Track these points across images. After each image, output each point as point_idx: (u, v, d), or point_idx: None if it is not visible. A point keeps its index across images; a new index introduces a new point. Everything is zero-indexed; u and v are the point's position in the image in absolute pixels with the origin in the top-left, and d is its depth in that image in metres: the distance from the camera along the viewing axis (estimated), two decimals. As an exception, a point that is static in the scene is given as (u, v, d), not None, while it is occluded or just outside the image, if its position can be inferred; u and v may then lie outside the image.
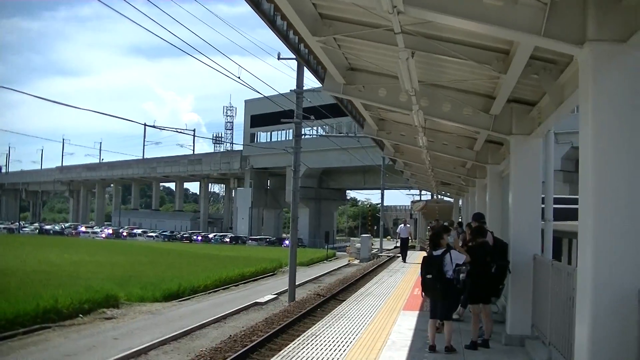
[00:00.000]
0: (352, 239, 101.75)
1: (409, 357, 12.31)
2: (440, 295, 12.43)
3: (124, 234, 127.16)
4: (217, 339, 22.64)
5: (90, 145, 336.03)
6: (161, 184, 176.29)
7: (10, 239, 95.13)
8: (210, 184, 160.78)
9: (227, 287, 40.97)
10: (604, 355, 6.83)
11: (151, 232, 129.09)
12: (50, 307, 25.37)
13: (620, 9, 6.79)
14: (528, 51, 8.96)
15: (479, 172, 23.70)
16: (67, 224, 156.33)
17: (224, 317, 27.66)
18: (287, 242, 63.67)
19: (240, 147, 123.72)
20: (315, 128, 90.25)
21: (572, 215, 7.57)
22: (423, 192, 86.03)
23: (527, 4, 7.26)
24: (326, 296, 32.98)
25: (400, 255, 43.01)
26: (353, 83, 15.10)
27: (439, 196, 62.95)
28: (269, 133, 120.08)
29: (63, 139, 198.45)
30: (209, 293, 37.64)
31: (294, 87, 37.06)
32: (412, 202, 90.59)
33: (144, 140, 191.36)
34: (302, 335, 14.96)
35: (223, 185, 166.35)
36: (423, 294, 13.36)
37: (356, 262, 65.88)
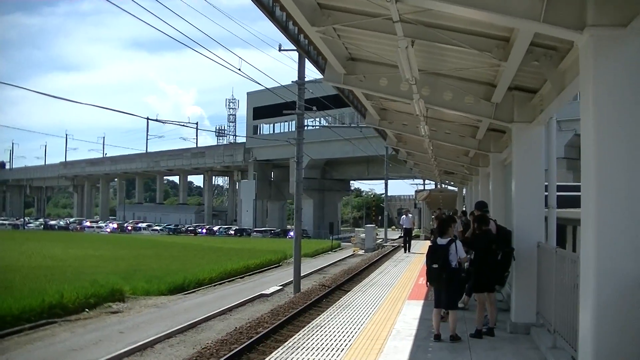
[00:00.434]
0: (356, 229, 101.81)
1: (414, 346, 12.30)
2: (445, 284, 12.44)
3: (129, 228, 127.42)
4: (222, 331, 22.67)
5: (93, 140, 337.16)
6: (165, 177, 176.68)
7: (16, 234, 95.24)
8: (214, 177, 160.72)
9: (233, 280, 40.96)
10: (608, 342, 6.82)
11: (156, 225, 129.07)
12: (56, 302, 25.41)
13: (619, -7, 6.75)
14: (528, 38, 8.93)
15: (482, 161, 23.65)
16: (71, 219, 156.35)
17: (230, 310, 27.68)
18: (291, 233, 63.65)
19: (244, 140, 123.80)
20: (318, 119, 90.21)
21: (576, 202, 7.55)
22: (427, 181, 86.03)
23: (526, -11, 7.20)
24: (331, 287, 32.94)
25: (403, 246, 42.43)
26: (354, 73, 15.05)
27: (443, 185, 62.93)
28: (271, 125, 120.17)
29: (66, 135, 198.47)
30: (214, 285, 37.64)
31: (295, 78, 37.02)
32: (416, 191, 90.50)
33: (147, 134, 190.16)
34: (307, 326, 14.96)
35: (227, 178, 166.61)
36: (428, 283, 13.32)
37: (361, 252, 65.82)
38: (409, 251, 38.12)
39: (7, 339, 21.26)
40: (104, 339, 21.51)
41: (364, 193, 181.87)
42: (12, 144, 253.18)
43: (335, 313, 16.23)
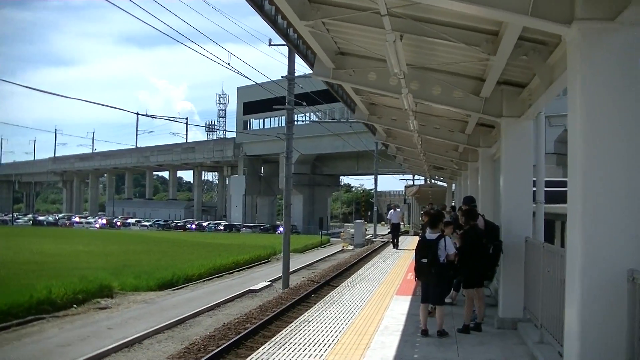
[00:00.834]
0: (346, 224, 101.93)
1: (401, 341, 12.29)
2: (434, 279, 12.43)
3: (118, 223, 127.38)
4: (211, 327, 22.70)
5: (83, 135, 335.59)
6: (155, 172, 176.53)
7: (4, 230, 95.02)
8: (203, 172, 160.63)
9: (221, 275, 40.98)
10: (594, 336, 6.82)
11: (145, 221, 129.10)
12: (44, 298, 25.38)
13: (607, -13, 6.73)
14: (516, 32, 8.91)
15: (471, 156, 23.67)
16: (60, 215, 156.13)
17: (218, 305, 27.73)
18: (281, 229, 63.69)
19: (234, 135, 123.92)
20: (308, 114, 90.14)
21: (565, 197, 7.53)
22: (416, 176, 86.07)
23: (514, -17, 7.17)
24: (320, 282, 32.99)
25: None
26: (343, 67, 14.99)
27: (433, 180, 62.95)
28: (262, 120, 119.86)
29: (55, 130, 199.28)
30: (203, 281, 37.67)
31: (286, 73, 36.98)
32: (406, 186, 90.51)
33: (137, 130, 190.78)
34: (295, 321, 14.93)
35: (217, 173, 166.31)
36: (416, 277, 13.31)
37: (350, 247, 65.99)
38: (397, 247, 37.42)
39: (-6, 335, 21.22)
40: (92, 335, 21.52)
41: (353, 188, 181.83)
42: (1, 139, 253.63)
43: (323, 308, 16.20)
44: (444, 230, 13.05)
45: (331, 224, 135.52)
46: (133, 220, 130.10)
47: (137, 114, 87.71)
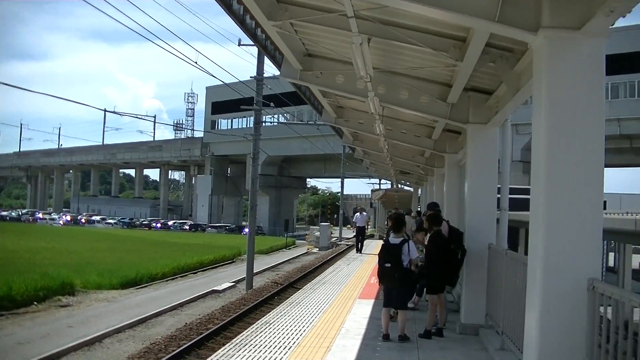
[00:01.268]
0: (311, 227, 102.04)
1: (362, 345, 12.24)
2: (397, 284, 12.40)
3: (83, 220, 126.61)
4: (173, 326, 22.62)
5: (49, 131, 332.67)
6: (121, 170, 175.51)
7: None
8: (170, 171, 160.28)
9: (186, 275, 40.87)
10: (553, 343, 6.84)
11: (110, 219, 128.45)
12: (4, 294, 25.13)
13: (574, -4, 6.75)
14: (484, 38, 8.92)
15: (437, 162, 23.73)
16: (24, 211, 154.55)
17: (181, 305, 27.62)
18: (247, 229, 63.75)
19: (201, 134, 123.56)
20: (276, 116, 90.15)
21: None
22: (384, 180, 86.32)
23: (482, -12, 7.17)
24: (284, 284, 33.03)
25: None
26: (310, 69, 14.93)
27: (399, 185, 63.11)
28: (230, 120, 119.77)
29: (21, 124, 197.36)
30: (167, 281, 37.53)
31: (255, 74, 36.94)
32: (372, 190, 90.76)
33: (104, 126, 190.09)
34: (257, 322, 14.85)
35: (183, 172, 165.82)
36: (380, 282, 13.28)
37: (315, 250, 66.10)
38: (361, 251, 36.77)
39: (-50, 331, 20.98)
40: (52, 332, 21.34)
41: (320, 191, 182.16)
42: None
43: (285, 310, 16.14)
44: (409, 235, 13.06)
45: (297, 226, 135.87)
46: (98, 218, 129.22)
47: (105, 110, 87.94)
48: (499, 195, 13.82)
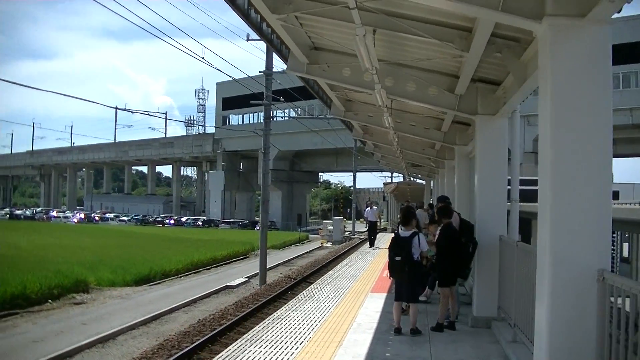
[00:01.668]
0: (324, 221, 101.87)
1: (374, 339, 12.21)
2: (407, 277, 12.34)
3: (96, 218, 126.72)
4: (186, 323, 22.64)
5: (61, 129, 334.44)
6: (133, 167, 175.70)
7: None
8: (182, 167, 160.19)
9: (199, 271, 40.92)
10: (562, 333, 6.79)
11: (123, 216, 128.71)
12: (19, 293, 25.24)
13: (579, -17, 6.66)
14: (489, 28, 8.84)
15: (447, 154, 23.64)
16: (38, 209, 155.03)
17: (194, 301, 27.63)
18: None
19: (213, 130, 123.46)
20: (287, 110, 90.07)
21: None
22: (396, 174, 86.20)
23: (485, -23, 7.10)
24: (297, 279, 33.02)
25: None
26: (317, 62, 14.86)
27: (411, 178, 63.04)
28: (241, 115, 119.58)
29: (33, 123, 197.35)
30: (180, 277, 37.56)
31: (264, 69, 36.89)
32: (384, 184, 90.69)
33: (116, 124, 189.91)
34: (268, 318, 14.85)
35: (195, 169, 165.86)
36: (390, 275, 13.21)
37: (328, 244, 65.96)
38: (374, 245, 36.63)
39: (-34, 330, 21.07)
40: (66, 330, 21.39)
41: (332, 185, 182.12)
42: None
43: (297, 305, 16.13)
44: (421, 229, 13.00)
45: (310, 220, 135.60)
46: (111, 215, 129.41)
47: (116, 108, 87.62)
48: (509, 187, 13.74)
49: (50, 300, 26.30)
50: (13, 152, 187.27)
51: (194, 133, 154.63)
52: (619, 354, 6.21)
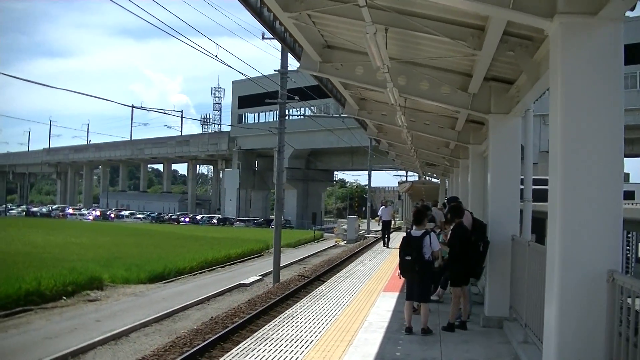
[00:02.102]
0: (339, 220, 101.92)
1: (385, 338, 12.18)
2: (418, 276, 12.30)
3: (112, 215, 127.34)
4: (199, 320, 22.70)
5: (77, 127, 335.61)
6: (149, 165, 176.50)
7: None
8: (198, 165, 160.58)
9: (213, 269, 40.98)
10: (571, 333, 6.75)
11: (139, 213, 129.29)
12: (33, 289, 25.36)
13: (590, -19, 6.61)
14: (501, 26, 8.79)
15: (462, 153, 23.53)
16: (54, 206, 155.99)
17: (208, 299, 27.70)
18: (275, 223, 63.95)
19: (228, 128, 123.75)
20: (302, 109, 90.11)
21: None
22: (411, 173, 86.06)
23: (496, -25, 7.05)
24: (310, 277, 33.03)
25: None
26: (330, 61, 14.83)
27: (427, 177, 62.89)
28: (256, 114, 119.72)
29: (50, 121, 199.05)
30: (194, 275, 37.65)
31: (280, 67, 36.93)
32: (399, 182, 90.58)
33: (132, 122, 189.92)
34: (280, 316, 14.87)
35: (211, 167, 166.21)
36: (400, 275, 13.17)
37: (343, 243, 66.01)
38: (388, 245, 36.19)
39: (-20, 326, 21.17)
40: (79, 327, 21.49)
41: (348, 184, 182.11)
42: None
43: (309, 304, 16.13)
44: (435, 227, 12.97)
45: (325, 219, 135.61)
46: (126, 213, 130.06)
47: (132, 106, 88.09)
48: (522, 186, 13.67)
49: (64, 297, 26.42)
50: (30, 149, 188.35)
51: (210, 131, 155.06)
52: (628, 355, 6.17)
